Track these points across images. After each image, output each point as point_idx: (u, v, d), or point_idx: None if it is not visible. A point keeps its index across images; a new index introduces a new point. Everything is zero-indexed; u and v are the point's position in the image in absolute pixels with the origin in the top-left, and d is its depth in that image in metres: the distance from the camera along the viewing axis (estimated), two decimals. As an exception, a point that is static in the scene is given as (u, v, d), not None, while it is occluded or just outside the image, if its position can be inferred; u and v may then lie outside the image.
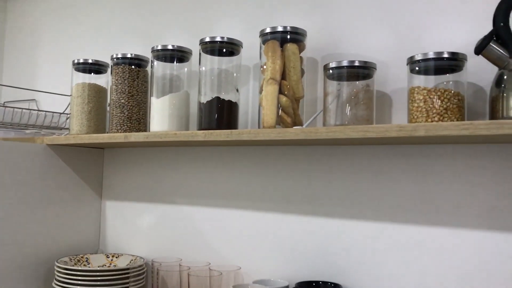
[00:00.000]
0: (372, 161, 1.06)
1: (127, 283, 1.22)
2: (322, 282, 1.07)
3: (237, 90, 1.16)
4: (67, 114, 1.51)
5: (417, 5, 1.02)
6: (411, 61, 0.92)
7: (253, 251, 1.21)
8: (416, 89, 0.90)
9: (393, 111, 1.04)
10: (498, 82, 0.81)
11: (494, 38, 0.81)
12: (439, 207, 0.97)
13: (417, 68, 0.91)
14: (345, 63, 0.98)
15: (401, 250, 1.01)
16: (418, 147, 1.01)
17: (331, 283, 1.06)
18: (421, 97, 0.88)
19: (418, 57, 0.90)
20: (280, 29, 1.05)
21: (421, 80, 0.91)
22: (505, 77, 0.80)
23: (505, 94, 0.79)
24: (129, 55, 1.28)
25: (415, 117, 0.89)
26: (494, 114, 0.81)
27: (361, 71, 0.98)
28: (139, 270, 1.26)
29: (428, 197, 0.99)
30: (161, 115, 1.20)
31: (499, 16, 0.80)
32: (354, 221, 1.07)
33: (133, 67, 1.28)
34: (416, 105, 0.89)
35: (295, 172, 1.16)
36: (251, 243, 1.21)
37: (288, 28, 1.05)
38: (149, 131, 1.22)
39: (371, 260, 1.04)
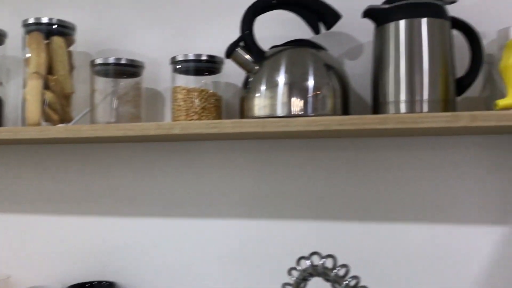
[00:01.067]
0: (136, 158, 1.07)
1: None
2: (97, 281, 1.05)
3: (1, 84, 1.07)
4: None
5: (186, 9, 1.06)
6: (173, 61, 0.95)
7: (23, 257, 1.13)
8: (178, 89, 0.93)
9: (165, 109, 1.07)
10: (245, 84, 0.89)
11: (241, 44, 0.88)
12: (202, 200, 1.04)
13: (178, 68, 0.95)
14: (111, 60, 0.97)
15: (175, 246, 1.05)
16: (177, 144, 1.05)
17: (106, 281, 1.05)
18: (182, 97, 0.92)
19: (180, 57, 0.94)
20: (45, 20, 0.99)
21: (183, 80, 0.95)
22: (250, 79, 0.88)
23: (250, 95, 0.87)
24: None
25: (177, 115, 0.93)
26: (242, 113, 0.89)
27: (128, 69, 0.98)
28: None
29: (192, 191, 1.04)
30: None
31: (245, 23, 0.87)
32: (125, 218, 1.08)
33: None
34: (177, 104, 0.93)
35: (63, 171, 1.11)
36: (20, 249, 1.13)
37: (54, 20, 0.99)
38: None
39: (147, 257, 1.06)
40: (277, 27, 0.99)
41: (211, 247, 1.03)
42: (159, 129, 0.87)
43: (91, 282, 1.05)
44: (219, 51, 0.93)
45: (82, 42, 1.07)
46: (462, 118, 0.73)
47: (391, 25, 0.82)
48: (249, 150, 1.01)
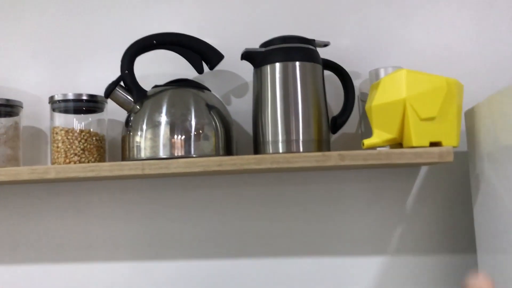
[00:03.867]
0: (24, 199, 1.02)
1: None
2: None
3: None
4: None
5: (70, 45, 1.03)
6: (52, 101, 0.91)
7: None
8: (56, 129, 0.90)
9: (48, 149, 1.02)
10: (126, 123, 0.87)
11: (121, 84, 0.87)
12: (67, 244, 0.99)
13: (58, 108, 0.91)
14: (-15, 99, 0.91)
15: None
16: (68, 184, 1.01)
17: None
18: (60, 138, 0.89)
19: (58, 97, 0.91)
20: None
21: (62, 119, 0.91)
22: (131, 118, 0.86)
23: (131, 134, 0.85)
24: None
25: (56, 157, 0.89)
26: (123, 153, 0.87)
27: (3, 109, 0.93)
28: None
29: (67, 234, 1.00)
30: None
31: (124, 63, 0.86)
32: (2, 266, 1.01)
33: None
34: (56, 145, 0.89)
35: None
36: None
37: None
38: None
39: (29, 304, 1.00)
40: (162, 64, 0.99)
41: (99, 292, 0.99)
42: (34, 174, 0.83)
43: None
44: (103, 87, 0.91)
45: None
46: (331, 158, 0.77)
47: (268, 68, 0.85)
48: (132, 190, 0.99)
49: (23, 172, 0.83)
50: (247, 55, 0.86)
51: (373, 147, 0.79)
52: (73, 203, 1.00)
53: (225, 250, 0.96)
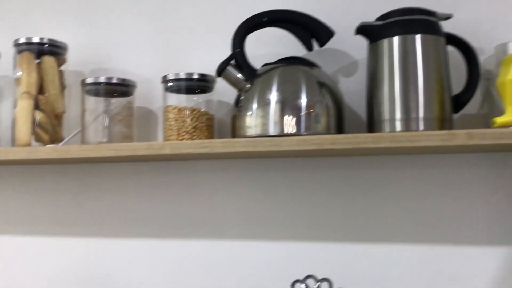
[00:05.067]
0: (138, 177, 1.05)
1: None
2: (89, 306, 1.03)
3: (-8, 104, 1.06)
4: None
5: (178, 28, 1.05)
6: (165, 80, 0.93)
7: (13, 279, 1.10)
8: (169, 108, 0.92)
9: (158, 129, 1.05)
10: (237, 102, 0.87)
11: (232, 63, 0.86)
12: (182, 222, 1.01)
13: (170, 87, 0.94)
14: (102, 80, 0.96)
15: (162, 267, 1.02)
16: (180, 163, 1.03)
17: (97, 306, 1.02)
18: (173, 116, 0.91)
19: (171, 76, 0.93)
20: (36, 40, 0.98)
21: (174, 99, 0.93)
22: (241, 98, 0.86)
23: (241, 114, 0.85)
24: None
25: (168, 135, 0.91)
26: (234, 132, 0.87)
27: (119, 88, 0.97)
28: None
29: (179, 212, 1.02)
30: None
31: (236, 41, 0.86)
32: (116, 240, 1.05)
33: None
34: (168, 123, 0.91)
35: (56, 192, 1.10)
36: (11, 271, 1.11)
37: (45, 40, 0.98)
38: None
39: (135, 278, 1.03)
40: (270, 44, 0.98)
41: (205, 269, 1.00)
42: (150, 149, 0.85)
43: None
44: (212, 69, 0.91)
45: (75, 60, 1.06)
46: (458, 136, 0.71)
47: (385, 42, 0.80)
48: (242, 169, 0.99)
49: (140, 147, 0.85)
50: (363, 29, 0.82)
51: (506, 126, 0.72)
52: (183, 181, 1.02)
53: (326, 232, 0.94)
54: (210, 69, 0.94)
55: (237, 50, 0.86)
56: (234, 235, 0.99)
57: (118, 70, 1.08)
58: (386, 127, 0.79)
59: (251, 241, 0.98)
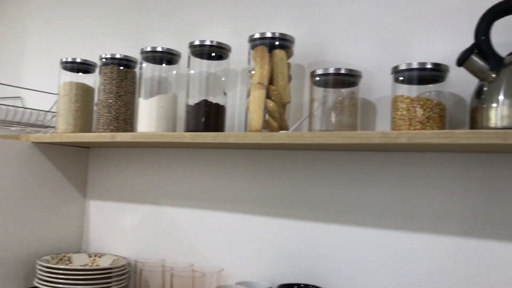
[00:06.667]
0: (354, 167, 1.08)
1: (110, 282, 1.22)
2: (304, 284, 1.09)
3: (225, 94, 1.18)
4: (53, 112, 1.51)
5: (400, 17, 1.05)
6: (396, 71, 0.94)
7: (236, 253, 1.22)
8: (400, 98, 0.92)
9: (377, 119, 1.07)
10: (478, 93, 0.84)
11: (476, 51, 0.83)
12: (419, 214, 1.00)
13: (401, 78, 0.94)
14: (331, 71, 1.00)
15: (383, 256, 1.03)
16: (399, 154, 1.03)
17: (313, 286, 1.08)
18: (404, 106, 0.91)
19: (403, 67, 0.93)
20: (269, 35, 1.07)
21: (404, 89, 0.93)
22: (485, 88, 0.82)
23: (484, 105, 0.81)
24: (118, 56, 1.29)
25: (398, 124, 0.92)
26: (473, 124, 0.84)
27: (346, 79, 1.01)
28: (121, 270, 1.26)
29: (409, 204, 1.01)
30: (148, 116, 1.20)
31: (481, 29, 0.83)
32: (337, 226, 1.09)
33: (121, 67, 1.28)
34: (399, 113, 0.92)
35: (279, 176, 1.18)
36: (235, 245, 1.23)
37: (277, 35, 1.06)
38: (136, 131, 1.23)
39: (354, 264, 1.06)
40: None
41: (427, 265, 0.99)
42: (384, 138, 0.86)
43: (298, 284, 1.08)
44: (437, 59, 0.89)
45: (295, 54, 1.13)
46: None
47: None
48: (462, 164, 0.95)
49: (374, 136, 0.87)
50: None
51: None
52: (412, 173, 1.02)
53: None
54: (434, 59, 0.92)
55: (482, 38, 0.82)
56: (446, 231, 0.96)
57: (336, 63, 1.12)
58: None
59: (471, 239, 0.94)
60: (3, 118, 1.44)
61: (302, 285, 1.08)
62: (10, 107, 1.45)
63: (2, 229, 1.29)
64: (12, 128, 1.46)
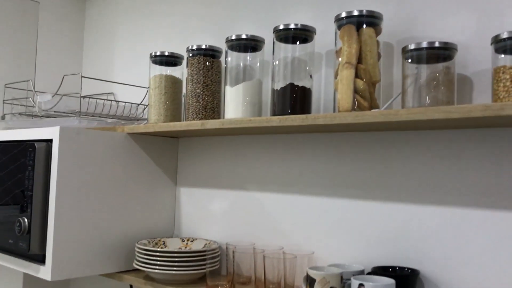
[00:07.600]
0: (451, 145, 1.04)
1: (204, 264, 1.27)
2: (399, 267, 1.06)
3: (311, 77, 1.18)
4: (144, 105, 1.59)
5: (500, -16, 0.99)
6: (496, 40, 0.89)
7: (326, 237, 1.22)
8: (502, 69, 0.87)
9: (474, 95, 1.02)
10: None
11: None
12: (497, 193, 0.94)
13: (503, 47, 0.89)
14: (424, 45, 0.97)
15: (482, 237, 0.98)
16: (501, 130, 0.97)
17: (408, 268, 1.05)
18: (508, 77, 0.86)
19: (504, 35, 0.88)
20: (356, 13, 1.05)
21: (507, 60, 0.88)
22: None
23: None
24: (204, 47, 1.33)
25: (501, 96, 0.87)
26: None
27: (441, 53, 0.97)
28: (214, 253, 1.30)
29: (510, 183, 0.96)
30: (235, 103, 1.23)
31: None
32: (433, 207, 1.05)
33: (207, 58, 1.32)
34: (502, 84, 0.87)
35: (370, 158, 1.16)
36: (324, 229, 1.22)
37: (364, 12, 1.05)
38: (224, 119, 1.26)
39: (450, 246, 1.02)
40: None
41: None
42: (486, 111, 0.82)
43: (393, 267, 1.06)
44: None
45: (383, 31, 1.10)
46: None
47: None
48: None
49: (475, 109, 0.83)
50: None
51: None
52: (499, 150, 0.97)
53: None
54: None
55: None
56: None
57: (426, 38, 1.08)
58: None
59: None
60: (100, 111, 1.54)
61: (397, 268, 1.06)
62: (106, 101, 1.55)
63: (104, 215, 1.38)
64: (109, 121, 1.56)
